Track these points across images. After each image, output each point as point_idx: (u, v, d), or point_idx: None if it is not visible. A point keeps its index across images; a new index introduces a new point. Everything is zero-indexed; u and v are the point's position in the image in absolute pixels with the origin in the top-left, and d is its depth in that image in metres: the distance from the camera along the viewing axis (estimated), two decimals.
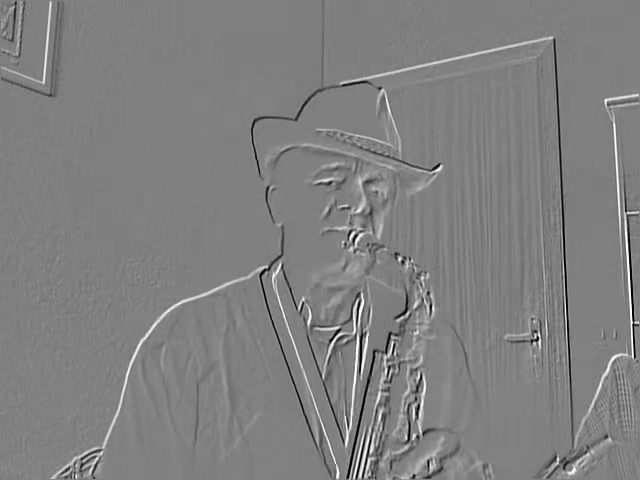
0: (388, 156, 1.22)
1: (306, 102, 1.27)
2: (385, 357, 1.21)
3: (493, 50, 2.96)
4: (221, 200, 2.69)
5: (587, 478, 1.27)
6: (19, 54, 2.22)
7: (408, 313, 1.22)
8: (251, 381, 1.20)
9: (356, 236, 1.18)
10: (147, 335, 1.22)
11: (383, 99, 1.27)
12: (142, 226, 2.48)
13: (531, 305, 2.77)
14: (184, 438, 1.17)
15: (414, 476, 1.18)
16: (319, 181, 1.20)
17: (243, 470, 1.17)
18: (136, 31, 2.55)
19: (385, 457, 1.18)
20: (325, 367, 1.22)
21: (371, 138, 1.21)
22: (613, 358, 1.36)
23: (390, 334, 1.22)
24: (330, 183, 1.20)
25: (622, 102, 2.66)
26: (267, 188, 1.28)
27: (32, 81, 2.23)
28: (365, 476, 1.17)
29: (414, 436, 1.20)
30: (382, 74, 3.09)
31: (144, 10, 2.58)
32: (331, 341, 1.23)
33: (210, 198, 2.67)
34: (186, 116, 2.63)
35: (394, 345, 1.21)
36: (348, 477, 1.17)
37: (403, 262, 1.20)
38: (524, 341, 2.76)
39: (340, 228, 1.18)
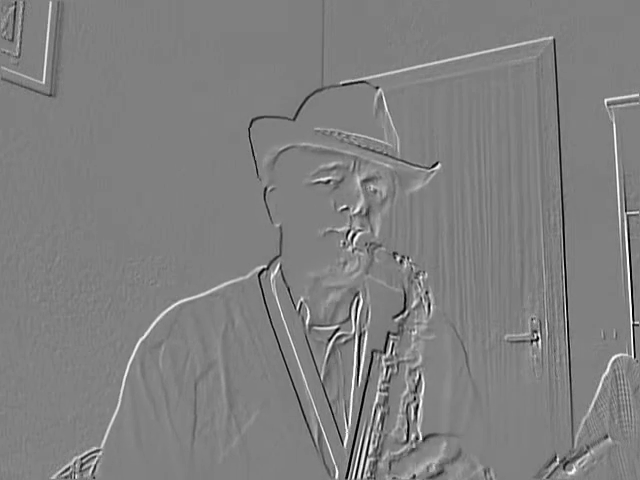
0: (386, 154, 1.22)
1: (304, 102, 1.27)
2: (384, 357, 1.21)
3: (493, 50, 2.95)
4: (221, 200, 2.69)
5: (587, 478, 1.27)
6: (19, 54, 2.22)
7: (407, 312, 1.22)
8: (249, 380, 1.20)
9: (354, 235, 1.19)
10: (146, 335, 1.22)
11: (380, 98, 1.27)
12: (142, 226, 2.48)
13: (531, 305, 2.77)
14: (182, 438, 1.17)
15: (414, 476, 1.18)
16: (317, 180, 1.20)
17: (241, 470, 1.17)
18: (136, 31, 2.55)
19: (384, 457, 1.18)
20: (324, 366, 1.22)
21: (369, 137, 1.22)
22: (613, 358, 1.36)
23: (389, 334, 1.22)
24: (328, 182, 1.20)
25: (622, 102, 2.66)
26: (265, 188, 1.28)
27: (32, 81, 2.23)
28: (364, 476, 1.17)
29: (413, 436, 1.20)
30: (382, 74, 3.09)
31: (144, 10, 2.58)
32: (330, 340, 1.23)
33: (210, 198, 2.67)
34: (186, 116, 2.63)
35: (393, 345, 1.21)
36: (347, 477, 1.17)
37: (401, 261, 1.20)
38: (524, 341, 2.76)
39: (340, 229, 1.19)
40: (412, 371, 1.22)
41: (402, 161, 1.23)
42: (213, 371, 1.20)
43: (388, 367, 1.21)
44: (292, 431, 1.18)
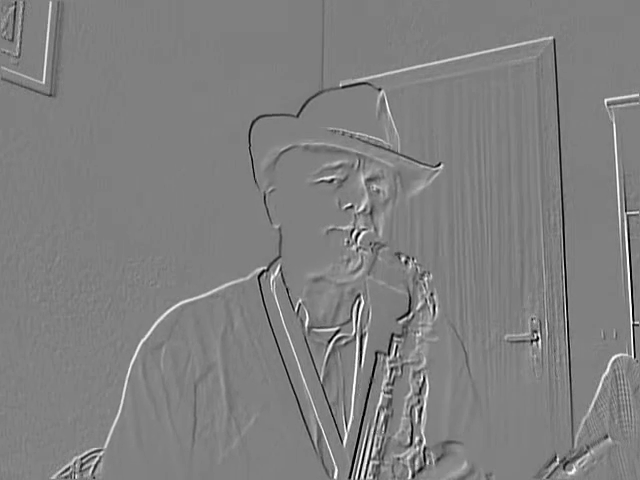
0: (391, 151, 1.22)
1: (306, 103, 1.27)
2: (387, 359, 1.21)
3: (493, 50, 2.95)
4: (221, 200, 2.69)
5: (587, 478, 1.27)
6: (19, 54, 2.22)
7: (411, 314, 1.22)
8: (249, 382, 1.20)
9: (359, 234, 1.18)
10: (147, 336, 1.22)
11: (383, 100, 1.28)
12: (142, 226, 2.48)
13: (531, 305, 2.77)
14: (183, 439, 1.17)
15: (413, 475, 1.18)
16: (321, 179, 1.20)
17: (241, 471, 1.17)
18: (136, 31, 2.55)
19: (387, 460, 1.18)
20: (323, 368, 1.22)
21: (372, 136, 1.22)
22: (613, 358, 1.36)
23: (392, 335, 1.21)
24: (332, 181, 1.20)
25: (622, 102, 2.66)
26: (264, 191, 1.28)
27: (32, 81, 2.23)
28: (367, 479, 1.17)
29: (416, 439, 1.20)
30: (382, 74, 3.09)
31: (144, 10, 2.58)
32: (329, 342, 1.23)
33: (210, 198, 2.67)
34: (186, 116, 2.63)
35: (396, 347, 1.21)
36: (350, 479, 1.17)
37: (406, 262, 1.20)
38: (524, 341, 2.76)
39: (344, 227, 1.18)
40: (416, 373, 1.21)
41: (408, 158, 1.23)
42: (213, 373, 1.20)
43: (392, 369, 1.20)
44: (292, 433, 1.18)
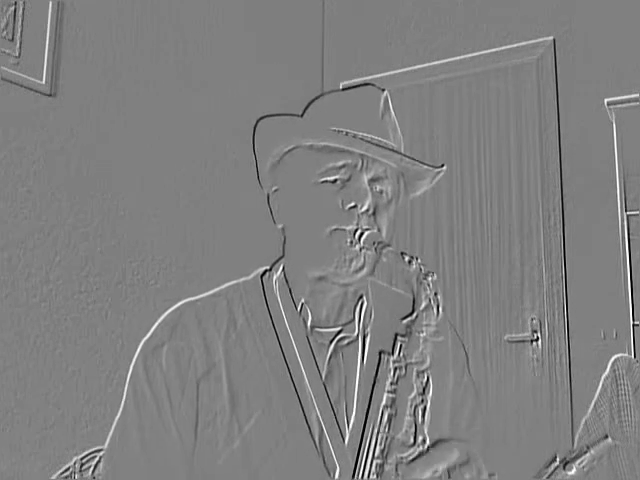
0: (395, 151, 1.22)
1: (309, 104, 1.28)
2: (392, 358, 1.21)
3: (493, 50, 2.96)
4: (221, 200, 2.69)
5: (587, 478, 1.27)
6: (19, 54, 2.22)
7: (415, 314, 1.22)
8: (251, 381, 1.20)
9: (362, 234, 1.19)
10: (149, 335, 1.22)
11: (387, 100, 1.28)
12: (142, 226, 2.48)
13: (531, 305, 2.77)
14: (185, 438, 1.17)
15: None
16: (324, 179, 1.20)
17: (243, 470, 1.17)
18: (136, 31, 2.55)
19: (390, 459, 1.18)
20: (325, 367, 1.22)
21: (375, 137, 1.22)
22: (613, 358, 1.36)
23: (396, 335, 1.22)
24: (335, 181, 1.20)
25: (622, 102, 2.66)
26: (268, 192, 1.28)
27: (32, 81, 2.23)
28: (370, 478, 1.17)
29: (420, 439, 1.20)
30: (382, 74, 3.09)
31: (144, 10, 2.58)
32: (331, 342, 1.23)
33: (210, 198, 2.67)
34: (185, 116, 2.63)
35: (401, 346, 1.21)
36: (353, 479, 1.17)
37: (410, 262, 1.20)
38: (524, 341, 2.76)
39: (347, 227, 1.19)
40: (420, 373, 1.21)
41: (411, 159, 1.23)
42: (215, 372, 1.20)
43: (396, 369, 1.21)
44: (293, 432, 1.18)
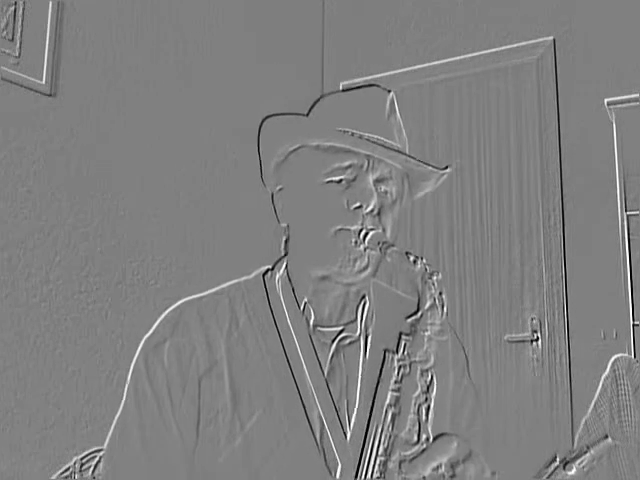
0: (400, 152, 1.23)
1: (314, 104, 1.28)
2: (396, 357, 1.21)
3: (493, 50, 2.95)
4: (221, 200, 2.69)
5: (587, 478, 1.27)
6: (19, 54, 2.22)
7: (420, 313, 1.22)
8: (253, 379, 1.20)
9: (367, 234, 1.19)
10: (150, 332, 1.23)
11: (392, 101, 1.29)
12: (142, 226, 2.48)
13: (531, 305, 2.77)
14: (186, 435, 1.18)
15: (424, 478, 1.18)
16: (330, 179, 1.21)
17: (244, 468, 1.17)
18: (136, 31, 2.55)
19: (394, 458, 1.18)
20: (327, 366, 1.22)
21: (381, 137, 1.23)
22: (613, 358, 1.36)
23: (401, 334, 1.22)
24: (341, 181, 1.21)
25: (622, 102, 2.66)
26: (272, 191, 1.29)
27: (32, 81, 2.23)
28: (374, 476, 1.17)
29: (424, 437, 1.20)
30: (382, 74, 3.09)
31: (144, 10, 2.58)
32: (333, 341, 1.24)
33: (210, 198, 2.67)
34: (186, 116, 2.63)
35: (405, 345, 1.22)
36: (356, 477, 1.17)
37: (415, 261, 1.21)
38: (524, 341, 2.76)
39: (352, 227, 1.19)
40: (424, 372, 1.22)
41: (417, 160, 1.24)
42: (217, 369, 1.20)
43: (400, 367, 1.21)
44: (295, 430, 1.18)
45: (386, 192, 1.23)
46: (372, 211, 1.20)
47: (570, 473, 1.27)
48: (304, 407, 1.20)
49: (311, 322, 1.24)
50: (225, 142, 2.70)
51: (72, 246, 2.28)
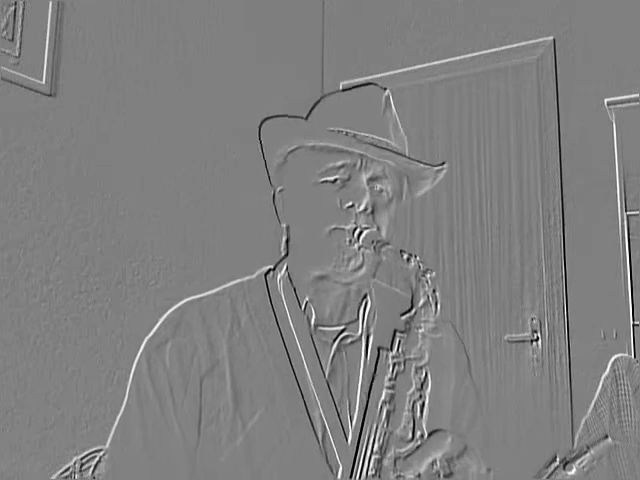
0: (392, 151, 1.23)
1: (314, 106, 1.29)
2: (390, 354, 1.22)
3: (493, 50, 2.95)
4: (221, 200, 2.69)
5: (587, 478, 1.27)
6: (19, 54, 2.22)
7: (414, 311, 1.23)
8: (254, 379, 1.21)
9: (361, 233, 1.19)
10: (152, 332, 1.23)
11: (388, 99, 1.29)
12: (142, 226, 2.48)
13: (531, 305, 2.77)
14: (188, 434, 1.18)
15: (419, 475, 1.18)
16: (324, 179, 1.22)
17: (246, 467, 1.18)
18: (136, 31, 2.55)
19: (389, 455, 1.18)
20: (328, 366, 1.23)
21: (376, 136, 1.23)
22: (613, 358, 1.36)
23: (395, 331, 1.22)
24: (335, 181, 1.21)
25: (622, 102, 2.66)
26: (274, 190, 1.29)
27: (32, 81, 2.23)
28: (369, 474, 1.17)
29: (418, 434, 1.20)
30: (382, 74, 3.09)
31: (144, 10, 2.58)
32: (335, 341, 1.24)
33: (210, 198, 2.67)
34: (186, 116, 2.63)
35: (399, 342, 1.22)
36: (352, 475, 1.18)
37: (409, 259, 1.21)
38: (524, 341, 2.76)
39: (346, 227, 1.20)
40: (418, 369, 1.22)
41: (407, 158, 1.24)
42: (218, 369, 1.21)
43: (394, 364, 1.21)
44: (296, 429, 1.19)
45: (381, 190, 1.23)
46: (365, 210, 1.21)
47: (570, 473, 1.27)
48: (306, 406, 1.20)
49: (312, 322, 1.24)
50: (225, 142, 2.70)
51: (72, 246, 2.28)
